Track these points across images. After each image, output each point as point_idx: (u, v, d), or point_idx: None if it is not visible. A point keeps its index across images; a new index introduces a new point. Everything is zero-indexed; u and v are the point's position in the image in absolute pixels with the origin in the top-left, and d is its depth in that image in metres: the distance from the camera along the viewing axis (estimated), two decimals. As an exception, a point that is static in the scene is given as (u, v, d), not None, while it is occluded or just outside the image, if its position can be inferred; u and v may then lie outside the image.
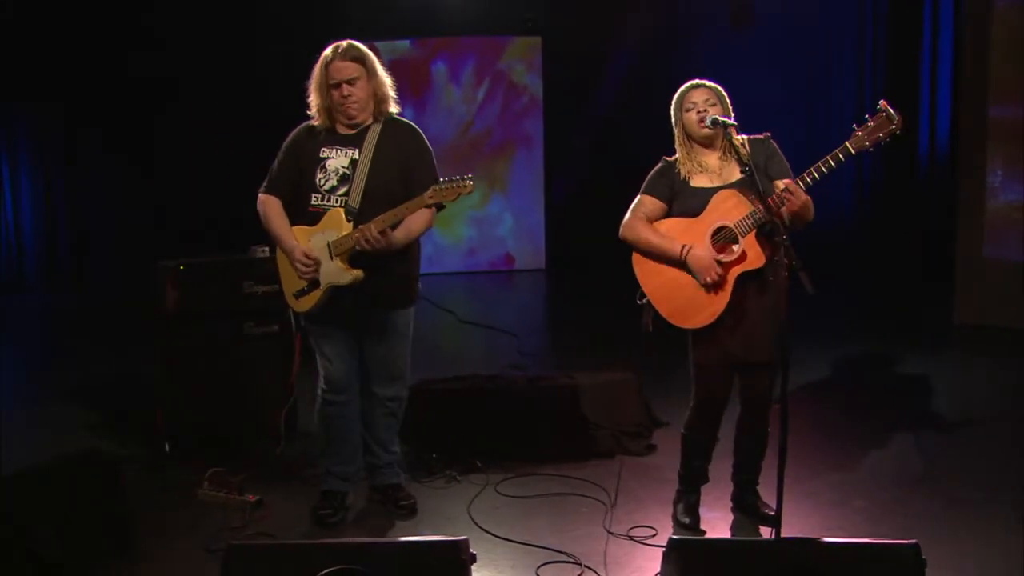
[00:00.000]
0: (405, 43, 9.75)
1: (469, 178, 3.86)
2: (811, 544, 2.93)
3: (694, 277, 3.83)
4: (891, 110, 3.60)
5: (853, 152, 3.63)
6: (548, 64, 9.93)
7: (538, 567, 3.79)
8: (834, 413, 5.48)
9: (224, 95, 9.38)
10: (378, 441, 4.39)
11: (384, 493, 4.43)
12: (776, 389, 3.94)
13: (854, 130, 3.65)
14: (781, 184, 3.76)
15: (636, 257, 3.98)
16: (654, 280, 3.93)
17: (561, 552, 3.89)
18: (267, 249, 5.11)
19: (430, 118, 9.50)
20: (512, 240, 10.13)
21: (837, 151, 3.63)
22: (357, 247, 3.93)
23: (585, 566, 3.78)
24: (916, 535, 3.12)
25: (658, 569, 3.68)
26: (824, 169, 3.65)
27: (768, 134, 3.95)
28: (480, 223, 9.92)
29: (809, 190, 3.70)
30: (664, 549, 3.64)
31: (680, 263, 3.85)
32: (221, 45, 9.30)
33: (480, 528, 4.15)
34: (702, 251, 3.80)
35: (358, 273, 3.98)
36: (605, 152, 9.86)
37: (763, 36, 9.16)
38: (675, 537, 3.00)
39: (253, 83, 9.26)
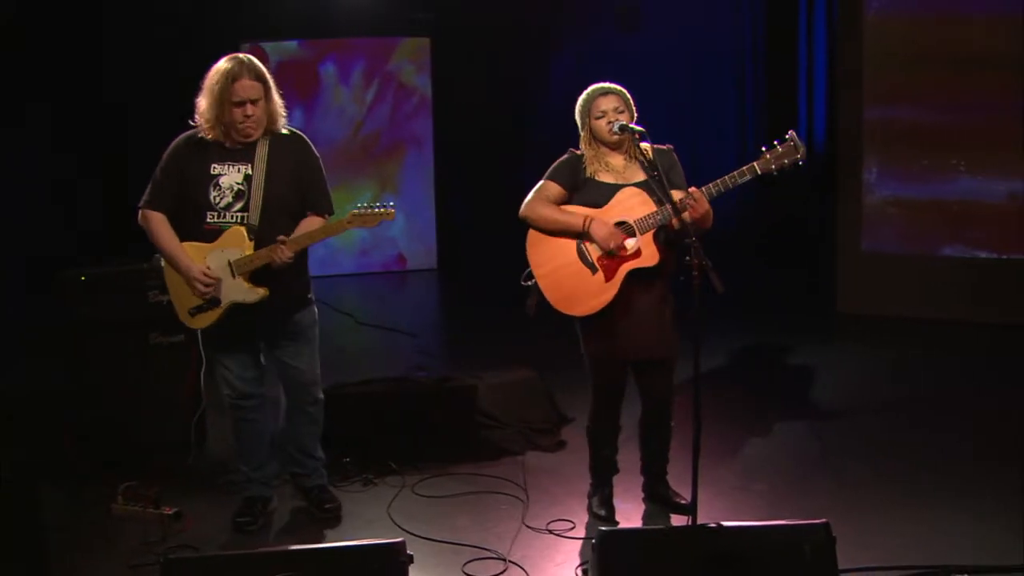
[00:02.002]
0: (293, 44, 9.65)
1: (392, 205, 3.93)
2: (733, 529, 3.11)
3: (588, 265, 3.95)
4: (798, 140, 3.81)
5: (759, 172, 3.83)
6: (437, 65, 9.98)
7: (463, 565, 3.88)
8: (730, 402, 5.71)
9: (102, 95, 9.13)
10: (302, 449, 4.42)
11: (308, 495, 4.45)
12: (674, 385, 4.18)
13: (763, 152, 3.84)
14: (679, 195, 3.91)
15: (531, 239, 4.07)
16: (546, 265, 4.03)
17: (485, 549, 4.00)
18: (169, 258, 5.07)
19: (319, 120, 9.45)
20: (404, 240, 10.14)
21: (744, 169, 3.82)
22: (269, 265, 3.95)
23: (510, 561, 3.90)
24: (817, 515, 3.32)
25: (579, 561, 3.89)
26: (729, 183, 3.83)
27: (672, 146, 4.12)
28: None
29: (710, 201, 3.88)
30: (591, 541, 3.81)
31: (579, 237, 3.96)
32: (95, 43, 9.05)
33: (402, 529, 4.21)
34: (605, 222, 3.92)
35: (264, 291, 4.01)
36: (494, 152, 9.99)
37: (648, 39, 9.41)
38: (604, 529, 3.14)
39: (130, 83, 9.06)
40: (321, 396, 4.41)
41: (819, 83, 8.66)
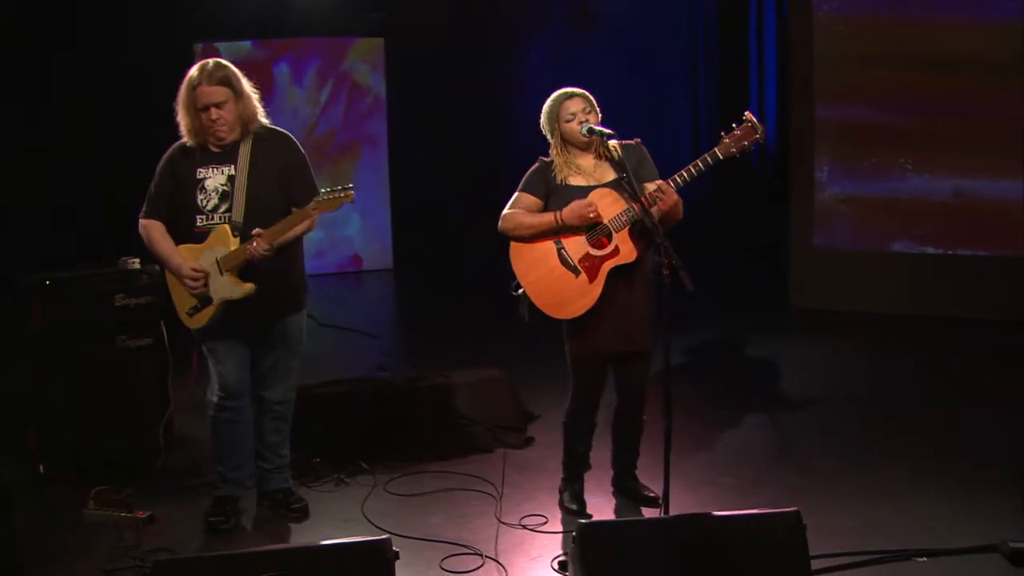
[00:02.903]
0: (246, 44, 9.61)
1: (349, 187, 3.96)
2: (709, 518, 3.21)
3: (570, 269, 4.04)
4: (755, 120, 3.91)
5: (721, 157, 3.92)
6: (391, 65, 10.00)
7: (441, 561, 3.94)
8: (690, 398, 5.80)
9: (58, 99, 9.03)
10: (268, 446, 4.45)
11: (274, 499, 4.48)
12: (649, 378, 4.27)
13: (722, 137, 3.94)
14: (652, 186, 4.03)
15: (513, 250, 4.16)
16: (531, 273, 4.11)
17: (461, 545, 4.06)
18: (137, 261, 5.06)
19: (274, 120, 9.09)
20: (360, 241, 10.14)
21: (706, 155, 3.91)
22: (249, 260, 3.99)
23: (486, 556, 3.96)
24: (784, 505, 3.40)
25: (554, 554, 3.97)
26: (694, 171, 3.93)
27: (639, 140, 4.21)
28: (327, 225, 9.88)
29: (679, 190, 3.98)
30: (567, 534, 3.94)
31: (557, 232, 4.04)
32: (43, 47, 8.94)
33: (378, 528, 4.25)
34: (574, 202, 4.00)
35: (250, 287, 4.05)
36: (449, 151, 10.04)
37: (602, 39, 9.52)
38: (584, 521, 3.22)
39: (85, 87, 8.97)
40: (292, 396, 4.46)
41: (769, 83, 8.84)
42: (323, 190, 3.98)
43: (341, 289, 9.80)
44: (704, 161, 3.92)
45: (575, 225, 4.02)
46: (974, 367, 6.34)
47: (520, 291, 4.13)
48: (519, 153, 10.22)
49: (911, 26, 7.12)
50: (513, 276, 4.15)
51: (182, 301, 4.20)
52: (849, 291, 7.43)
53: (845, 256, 7.47)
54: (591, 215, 3.97)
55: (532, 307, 4.12)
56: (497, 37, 9.89)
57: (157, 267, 5.04)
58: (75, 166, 8.84)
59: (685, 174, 3.94)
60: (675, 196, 3.94)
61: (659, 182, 3.98)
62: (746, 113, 3.94)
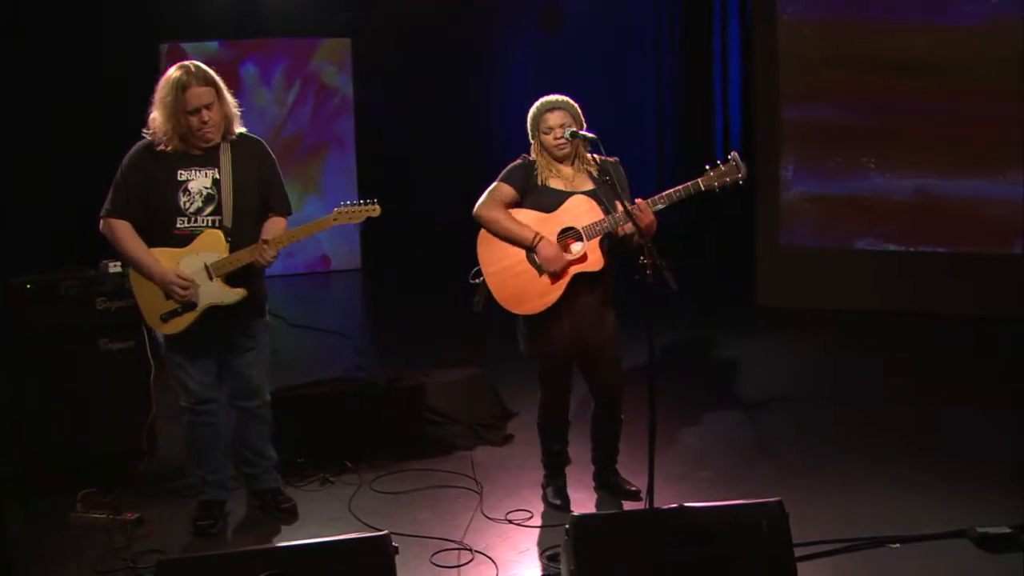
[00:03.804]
0: (213, 45, 9.60)
1: (375, 201, 4.03)
2: (697, 509, 3.31)
3: (535, 267, 4.13)
4: (740, 161, 4.05)
5: (703, 189, 4.07)
6: (358, 65, 10.03)
7: (431, 556, 4.01)
8: (665, 395, 5.92)
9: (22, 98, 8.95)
10: (253, 450, 4.48)
11: (263, 498, 4.52)
12: (622, 379, 4.38)
13: (707, 170, 4.08)
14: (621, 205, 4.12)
15: (482, 237, 4.23)
16: (495, 264, 4.19)
17: (450, 540, 4.14)
18: (119, 264, 5.06)
19: (242, 120, 9.41)
20: (328, 241, 10.15)
21: (688, 184, 4.05)
22: (250, 266, 4.03)
23: (476, 551, 4.04)
24: (762, 497, 3.46)
25: (541, 548, 4.06)
26: (674, 197, 4.06)
27: (617, 159, 4.30)
28: (296, 225, 9.90)
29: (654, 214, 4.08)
30: (551, 528, 4.03)
31: (528, 249, 4.13)
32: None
33: (366, 525, 4.31)
34: (552, 244, 4.10)
35: (242, 291, 4.09)
36: (416, 151, 10.10)
37: (569, 40, 9.63)
38: (577, 514, 3.31)
39: (50, 89, 8.91)
40: (268, 397, 4.48)
41: (733, 84, 8.99)
42: (346, 202, 4.05)
43: (310, 289, 9.83)
44: (686, 189, 4.05)
45: (540, 261, 4.10)
46: (939, 361, 6.53)
47: (480, 279, 4.20)
48: (488, 151, 10.33)
49: (873, 29, 7.32)
50: (475, 263, 4.22)
51: (153, 304, 4.12)
52: (814, 289, 7.60)
53: (810, 254, 7.65)
54: (558, 268, 4.07)
55: (489, 297, 4.19)
56: (464, 37, 9.96)
57: (121, 264, 4.97)
58: (38, 167, 8.76)
59: (666, 199, 4.06)
60: (651, 215, 4.05)
61: (638, 200, 4.06)
62: (732, 153, 4.10)
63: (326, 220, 4.10)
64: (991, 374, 6.19)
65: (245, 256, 4.03)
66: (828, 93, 7.45)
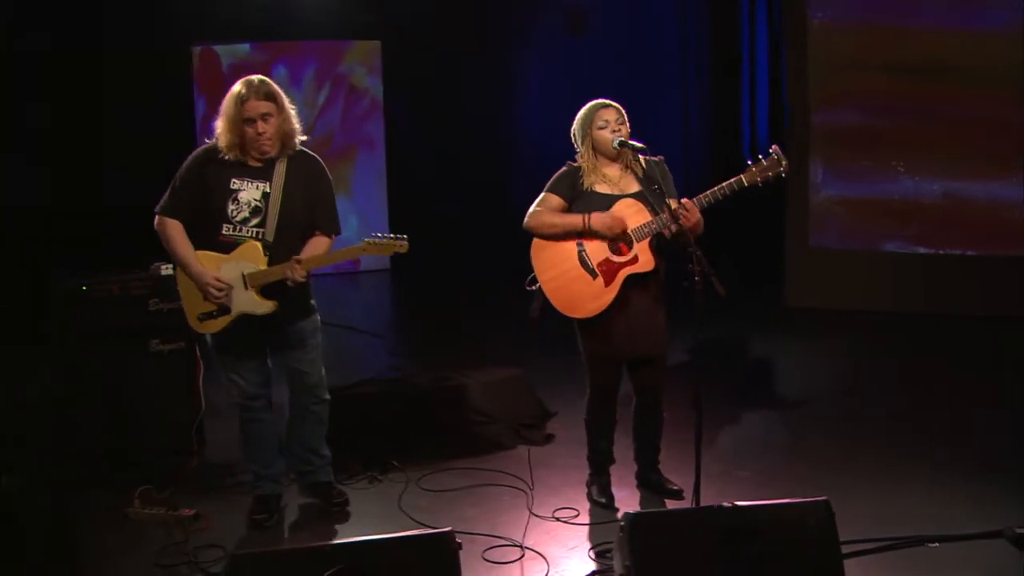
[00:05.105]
0: (245, 47, 9.74)
1: (404, 238, 4.17)
2: (746, 508, 3.41)
3: (588, 271, 4.23)
4: (781, 154, 4.14)
5: (746, 184, 4.16)
6: (388, 67, 10.15)
7: (482, 552, 4.12)
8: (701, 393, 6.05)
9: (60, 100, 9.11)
10: (309, 448, 4.60)
11: (316, 491, 4.64)
12: (665, 378, 4.48)
13: (749, 166, 4.17)
14: (674, 203, 4.23)
15: (535, 246, 4.35)
16: (549, 271, 4.31)
17: (499, 537, 4.24)
18: (170, 267, 5.19)
19: None
20: (357, 241, 10.25)
21: (732, 181, 4.14)
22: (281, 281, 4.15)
23: (526, 548, 4.15)
24: (800, 496, 3.59)
25: (589, 545, 4.16)
26: (719, 195, 4.15)
27: (662, 157, 4.42)
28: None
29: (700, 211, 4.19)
30: (597, 526, 4.14)
31: (582, 235, 4.23)
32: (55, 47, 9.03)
33: (416, 522, 4.43)
34: (603, 213, 4.20)
35: (273, 305, 4.22)
36: (446, 152, 10.21)
37: (595, 43, 9.72)
38: (631, 512, 3.41)
39: (88, 85, 9.08)
40: (327, 396, 4.60)
41: (761, 88, 9.08)
42: (377, 235, 4.18)
43: (340, 289, 9.94)
44: (729, 187, 4.14)
45: (599, 232, 4.21)
46: (967, 362, 6.62)
47: (536, 286, 4.31)
48: (515, 153, 10.47)
49: (901, 34, 7.41)
50: (530, 271, 4.34)
51: (193, 305, 4.29)
52: (843, 290, 7.69)
53: (839, 256, 7.74)
54: (618, 230, 4.17)
55: (545, 303, 4.30)
56: (493, 40, 10.07)
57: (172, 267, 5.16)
58: (86, 169, 8.93)
59: (711, 196, 4.15)
60: (698, 214, 4.14)
61: (684, 200, 4.17)
62: (773, 146, 4.18)
63: (356, 249, 4.22)
64: (1020, 375, 6.25)
65: (277, 272, 4.16)
66: (857, 97, 7.54)
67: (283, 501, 4.63)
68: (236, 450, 5.11)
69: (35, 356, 5.97)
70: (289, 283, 4.17)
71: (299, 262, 4.17)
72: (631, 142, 4.22)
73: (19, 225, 8.47)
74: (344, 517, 4.54)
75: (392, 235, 4.19)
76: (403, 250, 4.19)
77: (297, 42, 9.95)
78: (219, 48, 9.53)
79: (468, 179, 10.05)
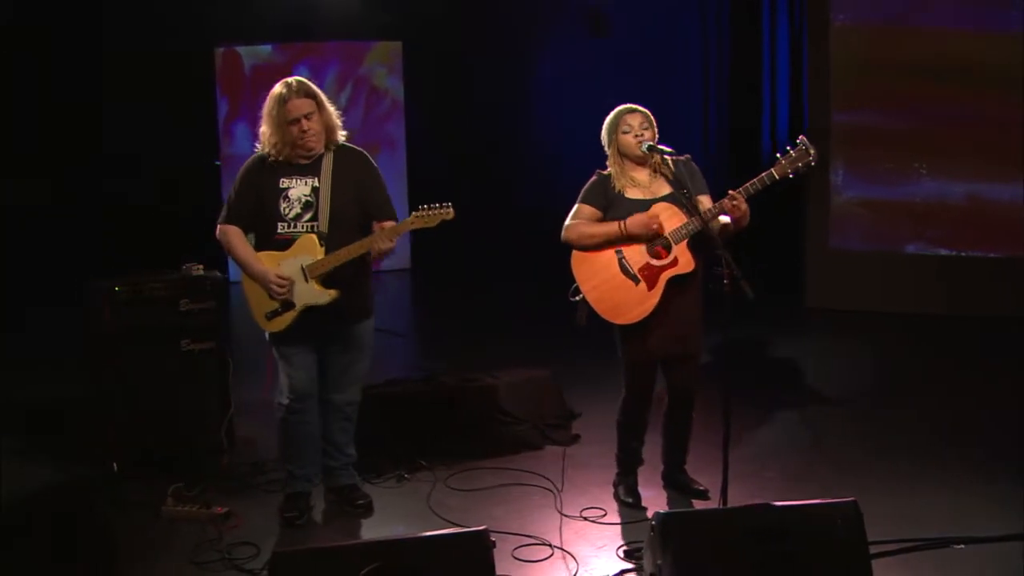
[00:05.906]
0: (267, 48, 9.81)
1: (448, 205, 4.20)
2: (775, 507, 3.46)
3: (630, 277, 4.28)
4: (808, 144, 4.18)
5: (777, 177, 4.18)
6: (409, 68, 10.21)
7: (512, 551, 4.17)
8: (720, 395, 6.07)
9: (84, 101, 9.21)
10: (335, 445, 4.66)
11: (339, 493, 4.70)
12: (699, 378, 4.53)
13: (778, 159, 4.20)
14: (705, 199, 4.29)
15: (575, 258, 4.40)
16: (592, 280, 4.36)
17: (530, 536, 4.29)
18: (201, 267, 5.27)
19: None
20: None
21: (763, 175, 4.16)
22: (374, 256, 4.25)
23: (555, 547, 4.20)
24: (824, 497, 3.64)
25: (618, 544, 4.21)
26: (751, 190, 4.18)
27: (688, 156, 4.46)
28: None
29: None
30: (626, 525, 4.19)
31: (620, 240, 4.28)
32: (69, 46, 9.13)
33: (445, 520, 4.48)
34: (639, 215, 4.25)
35: (335, 293, 4.28)
36: (466, 152, 10.26)
37: (615, 45, 9.75)
38: (662, 512, 3.46)
39: (107, 84, 9.18)
40: (359, 397, 4.68)
41: (782, 89, 9.10)
42: (422, 206, 4.23)
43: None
44: (761, 181, 4.18)
45: (637, 235, 4.26)
46: (988, 365, 6.63)
47: (579, 297, 4.37)
48: (535, 154, 10.49)
49: (922, 35, 7.43)
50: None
51: (260, 305, 4.39)
52: (863, 292, 7.71)
53: (859, 258, 7.76)
54: (655, 226, 4.22)
55: (591, 312, 4.36)
56: (513, 41, 10.12)
57: (218, 273, 5.31)
58: (121, 170, 9.03)
59: (751, 187, 4.19)
60: (745, 206, 4.18)
61: (731, 192, 4.18)
62: (800, 137, 4.21)
63: (406, 223, 4.28)
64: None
65: (341, 255, 4.23)
66: (878, 99, 7.56)
67: (312, 498, 4.69)
68: (265, 449, 5.23)
69: (68, 356, 6.03)
70: (377, 254, 4.23)
71: (382, 228, 4.26)
72: (660, 147, 4.26)
73: (49, 227, 8.57)
74: (368, 515, 4.59)
75: (437, 204, 4.23)
76: (449, 217, 4.25)
77: (319, 43, 10.02)
78: (241, 49, 9.61)
79: (488, 180, 10.09)
